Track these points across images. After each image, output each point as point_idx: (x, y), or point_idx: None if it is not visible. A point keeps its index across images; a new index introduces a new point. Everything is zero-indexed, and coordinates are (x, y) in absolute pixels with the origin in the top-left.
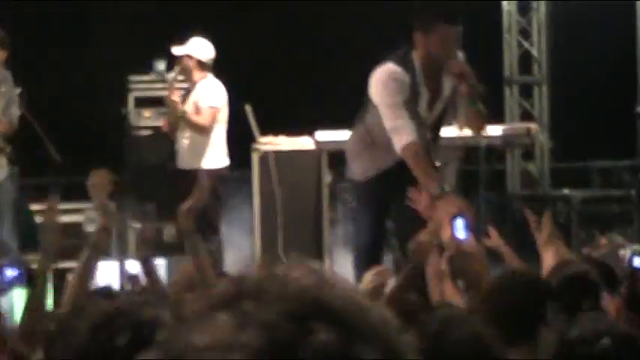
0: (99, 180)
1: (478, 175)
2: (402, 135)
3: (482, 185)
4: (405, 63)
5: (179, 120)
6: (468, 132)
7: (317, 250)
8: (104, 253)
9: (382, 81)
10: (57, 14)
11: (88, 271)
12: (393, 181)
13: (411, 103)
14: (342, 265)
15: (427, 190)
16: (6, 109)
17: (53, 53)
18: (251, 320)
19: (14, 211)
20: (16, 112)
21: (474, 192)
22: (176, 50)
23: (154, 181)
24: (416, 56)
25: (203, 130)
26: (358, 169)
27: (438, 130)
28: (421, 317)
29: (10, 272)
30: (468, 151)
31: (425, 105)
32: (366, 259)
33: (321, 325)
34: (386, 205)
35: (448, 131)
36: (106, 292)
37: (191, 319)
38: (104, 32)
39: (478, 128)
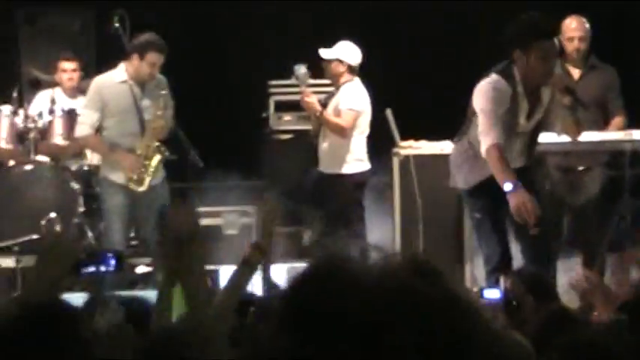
0: (271, 209)
1: (623, 180)
2: (488, 137)
3: (627, 191)
4: (507, 76)
5: (319, 122)
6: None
7: (458, 255)
8: (255, 270)
9: (484, 90)
10: (198, 17)
11: (239, 287)
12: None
13: (510, 114)
14: (482, 270)
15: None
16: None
17: (194, 58)
18: None
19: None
20: (170, 115)
21: (619, 198)
22: (325, 54)
23: (294, 185)
24: (517, 70)
25: (342, 131)
26: (460, 179)
27: (535, 136)
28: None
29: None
30: (613, 156)
31: (524, 116)
32: (499, 269)
33: None
34: (500, 211)
35: (592, 136)
36: (250, 299)
37: None
38: (246, 36)
39: (575, 135)
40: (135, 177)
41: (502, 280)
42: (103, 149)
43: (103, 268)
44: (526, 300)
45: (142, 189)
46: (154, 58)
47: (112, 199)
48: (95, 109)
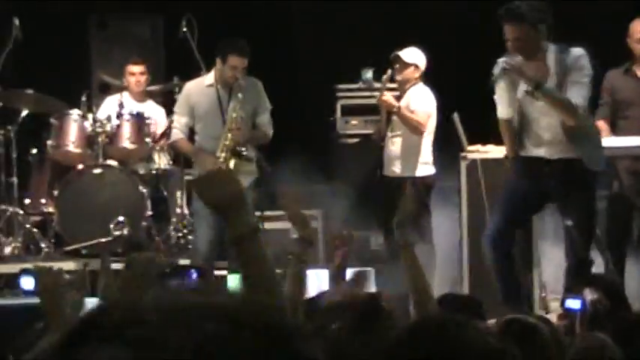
0: (288, 192)
1: None
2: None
3: None
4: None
5: (390, 124)
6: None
7: (526, 260)
8: (308, 263)
9: None
10: (266, 21)
11: (297, 283)
12: (537, 174)
13: (510, 87)
14: (550, 274)
15: None
16: (252, 116)
17: (262, 62)
18: None
19: None
20: (264, 119)
21: None
22: (407, 57)
23: (361, 189)
24: None
25: (419, 127)
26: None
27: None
28: None
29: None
30: None
31: (522, 91)
32: (495, 240)
33: None
34: (527, 194)
35: None
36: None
37: None
38: (315, 39)
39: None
40: None
41: (586, 291)
42: (190, 152)
43: (185, 281)
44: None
45: None
46: (235, 61)
47: (198, 201)
48: (183, 113)
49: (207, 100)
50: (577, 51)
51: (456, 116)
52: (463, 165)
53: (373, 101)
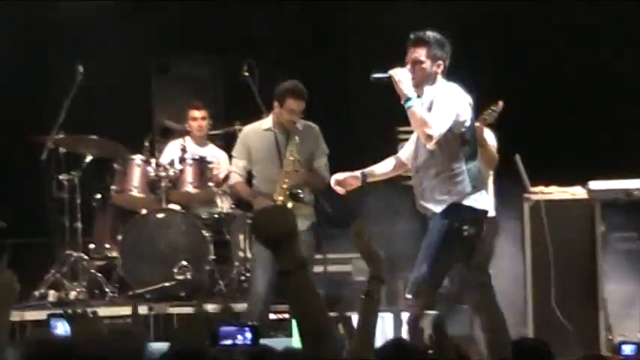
0: (360, 227)
1: None
2: None
3: None
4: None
5: None
6: None
7: (592, 303)
8: (380, 302)
9: None
10: (326, 64)
11: (369, 324)
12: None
13: None
14: (617, 317)
15: None
16: (309, 161)
17: (322, 104)
18: None
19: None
20: (321, 164)
21: None
22: None
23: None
24: None
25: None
26: None
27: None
28: None
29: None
30: None
31: None
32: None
33: None
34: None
35: None
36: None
37: None
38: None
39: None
40: None
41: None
42: (247, 195)
43: (239, 342)
44: None
45: None
46: (292, 104)
47: (256, 245)
48: (241, 156)
49: (264, 143)
50: (445, 85)
51: (518, 157)
52: (526, 206)
53: None
